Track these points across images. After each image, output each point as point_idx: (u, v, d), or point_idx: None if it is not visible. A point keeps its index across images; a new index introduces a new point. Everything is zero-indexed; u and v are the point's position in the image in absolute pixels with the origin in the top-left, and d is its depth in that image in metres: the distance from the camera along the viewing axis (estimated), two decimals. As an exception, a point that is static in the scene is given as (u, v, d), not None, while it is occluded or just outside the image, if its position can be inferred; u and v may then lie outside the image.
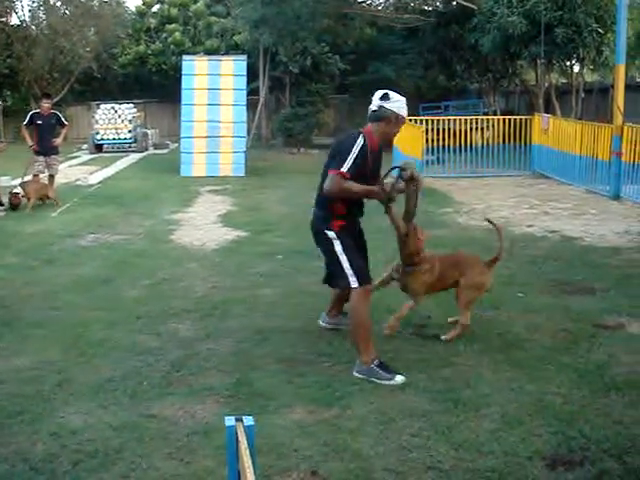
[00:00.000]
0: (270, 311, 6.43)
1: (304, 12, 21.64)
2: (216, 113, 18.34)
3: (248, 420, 2.59)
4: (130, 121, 25.55)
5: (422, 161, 14.55)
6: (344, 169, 4.78)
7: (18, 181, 12.91)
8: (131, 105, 26.79)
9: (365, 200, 5.22)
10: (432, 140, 16.17)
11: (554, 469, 3.70)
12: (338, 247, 4.99)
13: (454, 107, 25.39)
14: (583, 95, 22.63)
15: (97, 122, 25.40)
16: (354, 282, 4.95)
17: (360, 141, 4.87)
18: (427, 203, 11.77)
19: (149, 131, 27.40)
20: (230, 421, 2.61)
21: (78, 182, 16.64)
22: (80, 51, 29.88)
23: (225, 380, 4.89)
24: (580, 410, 4.32)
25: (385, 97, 4.96)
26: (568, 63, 21.37)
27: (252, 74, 22.23)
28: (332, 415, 4.34)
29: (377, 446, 3.98)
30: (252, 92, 23.24)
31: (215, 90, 18.50)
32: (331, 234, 5.03)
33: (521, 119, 16.86)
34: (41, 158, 12.84)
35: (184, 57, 19.91)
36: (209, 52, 27.27)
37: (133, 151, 24.99)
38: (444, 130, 16.41)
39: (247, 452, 2.45)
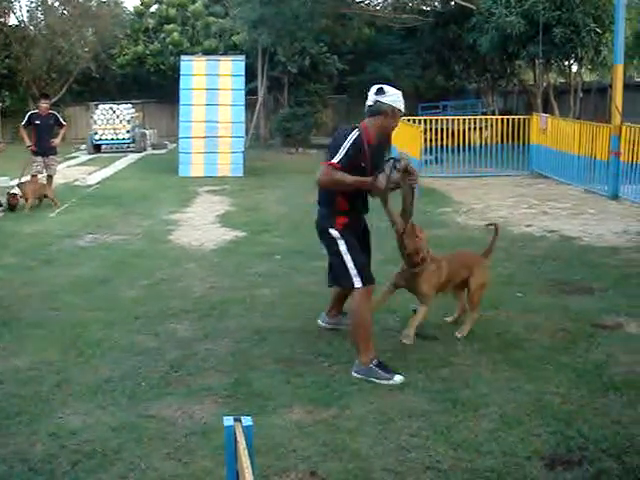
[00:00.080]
0: (268, 311, 6.43)
1: (302, 12, 21.62)
2: (214, 113, 18.34)
3: (246, 420, 2.58)
4: (128, 121, 25.54)
5: (420, 161, 14.53)
6: (335, 160, 4.80)
7: (16, 182, 12.89)
8: (129, 105, 26.81)
9: (370, 198, 5.22)
10: (430, 140, 16.17)
11: (553, 469, 3.70)
12: (342, 247, 4.99)
13: (452, 107, 25.40)
14: (581, 95, 22.64)
15: (95, 122, 25.38)
16: (358, 282, 4.95)
17: (354, 134, 4.88)
18: (426, 203, 11.80)
19: (147, 131, 27.38)
20: (228, 421, 2.61)
21: (76, 182, 16.64)
22: (78, 51, 29.87)
23: (223, 380, 4.89)
24: (579, 410, 4.32)
25: (380, 91, 4.96)
26: (566, 63, 21.38)
27: (250, 74, 22.23)
28: (331, 415, 4.34)
29: (376, 446, 3.98)
30: (250, 92, 23.26)
31: (213, 90, 18.49)
32: (335, 233, 5.02)
33: (519, 119, 16.87)
34: (39, 158, 12.84)
35: (182, 57, 19.90)
36: (207, 52, 27.27)
37: (131, 151, 24.98)
38: (442, 130, 16.41)
39: (245, 452, 2.45)
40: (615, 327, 5.83)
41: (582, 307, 6.33)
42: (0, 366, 5.21)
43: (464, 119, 17.48)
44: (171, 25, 31.69)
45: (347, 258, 4.97)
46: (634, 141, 12.12)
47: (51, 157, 13.00)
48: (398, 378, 4.80)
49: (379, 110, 4.94)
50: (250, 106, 23.43)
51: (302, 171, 17.56)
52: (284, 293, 7.00)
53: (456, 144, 16.48)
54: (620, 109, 12.55)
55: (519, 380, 4.79)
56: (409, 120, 16.00)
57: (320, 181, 4.90)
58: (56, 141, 12.96)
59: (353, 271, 4.95)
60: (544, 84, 21.10)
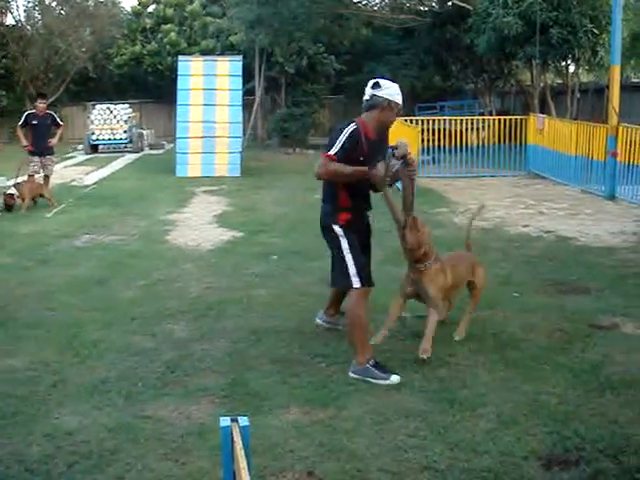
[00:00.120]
0: (265, 311, 6.43)
1: (300, 12, 21.63)
2: (212, 113, 18.33)
3: (243, 421, 2.58)
4: (126, 121, 25.53)
5: (418, 161, 14.52)
6: (332, 152, 4.82)
7: (12, 182, 12.87)
8: (127, 105, 26.81)
9: (372, 193, 5.22)
10: (428, 140, 16.18)
11: (549, 469, 3.70)
12: (344, 245, 4.99)
13: (450, 107, 25.41)
14: (578, 95, 22.62)
15: (93, 122, 25.38)
16: (356, 282, 4.95)
17: (350, 127, 4.88)
18: (422, 203, 11.77)
19: (145, 131, 27.37)
20: (225, 422, 2.61)
21: (73, 182, 16.64)
22: (76, 51, 29.84)
23: (220, 381, 4.88)
24: (575, 410, 4.33)
25: (376, 85, 4.98)
26: (563, 63, 21.35)
27: (248, 74, 22.22)
28: (327, 415, 4.34)
29: (373, 446, 3.97)
30: (248, 92, 23.26)
31: (211, 90, 18.49)
32: (338, 230, 5.01)
33: (516, 119, 16.88)
34: (36, 158, 12.83)
35: (180, 57, 19.90)
36: (205, 52, 27.26)
37: (129, 151, 24.97)
38: (440, 130, 16.42)
39: (242, 453, 2.45)
40: (611, 327, 5.83)
41: (578, 307, 6.33)
42: (-4, 366, 5.21)
43: (461, 119, 17.50)
44: (168, 25, 31.68)
45: (348, 258, 4.97)
46: (631, 142, 12.14)
47: (48, 157, 12.99)
48: (395, 378, 4.80)
49: (375, 104, 4.96)
50: (247, 106, 23.46)
51: (299, 171, 17.57)
52: (281, 293, 7.00)
53: (453, 144, 16.49)
54: (617, 110, 12.56)
55: (516, 380, 4.79)
56: (406, 120, 16.01)
57: (318, 173, 4.89)
58: (53, 141, 12.96)
59: (352, 271, 4.95)
60: (541, 85, 21.10)
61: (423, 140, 15.69)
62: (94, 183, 16.55)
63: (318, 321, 5.89)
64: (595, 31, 17.55)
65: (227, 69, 18.90)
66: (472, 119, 18.35)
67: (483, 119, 18.95)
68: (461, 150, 16.51)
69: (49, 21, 29.97)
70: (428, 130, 16.19)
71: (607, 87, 15.30)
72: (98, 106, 25.94)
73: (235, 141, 18.40)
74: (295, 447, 3.96)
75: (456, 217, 11.14)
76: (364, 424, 4.23)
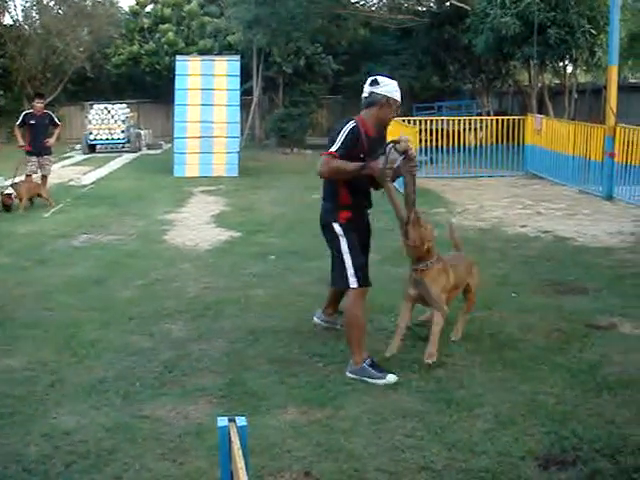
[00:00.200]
0: (263, 311, 6.43)
1: (298, 12, 21.62)
2: (209, 113, 18.33)
3: (241, 421, 2.58)
4: (123, 121, 25.51)
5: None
6: (334, 149, 4.81)
7: (10, 182, 12.85)
8: (124, 105, 26.76)
9: (372, 191, 5.22)
10: (426, 141, 16.18)
11: (547, 469, 3.71)
12: (344, 245, 4.98)
13: (447, 108, 25.40)
14: (576, 96, 22.67)
15: (90, 122, 25.35)
16: (354, 282, 4.95)
17: (350, 125, 4.89)
18: (420, 203, 11.72)
19: (142, 131, 27.36)
20: (223, 422, 2.61)
21: (71, 182, 16.62)
22: (73, 51, 29.81)
23: (218, 380, 4.88)
24: (573, 410, 4.33)
25: (374, 82, 4.99)
26: (561, 64, 21.41)
27: (246, 74, 22.23)
28: (325, 415, 4.34)
29: (370, 446, 3.98)
30: (245, 92, 23.24)
31: (208, 90, 18.48)
32: (338, 229, 5.00)
33: (514, 120, 16.89)
34: (34, 158, 12.82)
35: (177, 57, 19.88)
36: (202, 52, 27.25)
37: (126, 151, 24.95)
38: (437, 131, 16.42)
39: (240, 453, 2.45)
40: (609, 327, 5.84)
41: (576, 307, 6.34)
42: (-6, 366, 5.21)
43: (459, 120, 17.51)
44: (166, 25, 31.66)
45: (346, 258, 4.97)
46: (628, 142, 12.15)
47: (46, 157, 12.98)
48: (391, 377, 4.80)
49: (374, 101, 4.97)
50: (245, 106, 23.46)
51: (297, 171, 17.59)
52: (279, 293, 7.00)
53: (451, 145, 16.48)
54: (614, 110, 12.57)
55: (513, 380, 4.80)
56: (404, 121, 16.02)
57: (321, 172, 4.88)
58: (51, 141, 12.94)
59: (351, 271, 4.95)
60: (539, 85, 21.13)
61: (421, 140, 15.69)
62: (92, 183, 16.53)
63: (316, 320, 5.89)
64: (593, 31, 17.58)
65: (225, 69, 18.89)
66: (470, 119, 18.36)
67: (481, 119, 18.97)
68: (459, 150, 16.51)
69: (47, 21, 29.93)
70: (426, 130, 16.19)
71: (605, 87, 15.31)
72: (96, 106, 25.90)
73: (233, 141, 18.40)
74: (292, 447, 3.96)
75: (454, 217, 11.13)
76: (361, 424, 4.23)
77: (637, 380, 4.73)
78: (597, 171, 13.09)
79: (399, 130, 14.51)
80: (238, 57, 19.66)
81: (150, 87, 31.16)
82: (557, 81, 25.13)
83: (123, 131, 25.32)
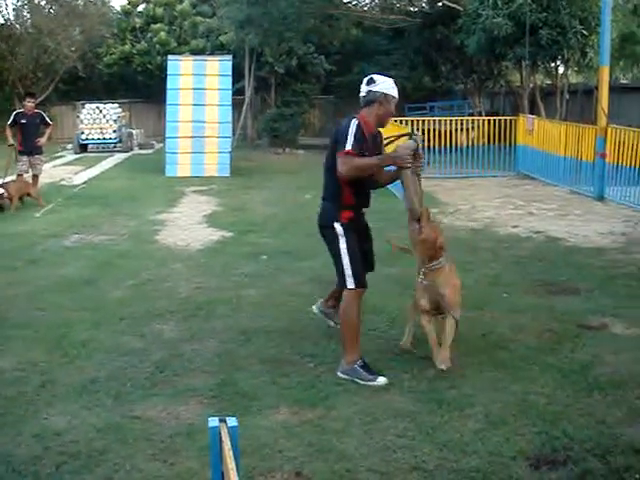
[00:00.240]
0: (254, 312, 6.42)
1: (290, 12, 21.60)
2: (201, 113, 18.30)
3: (232, 421, 2.58)
4: (115, 121, 25.44)
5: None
6: (349, 147, 4.78)
7: (0, 181, 12.80)
8: (116, 105, 26.69)
9: (372, 193, 5.22)
10: (418, 141, 16.14)
11: (538, 469, 3.71)
12: (343, 245, 4.97)
13: (439, 108, 25.44)
14: (568, 96, 22.71)
15: (82, 122, 25.27)
16: (350, 283, 4.95)
17: (354, 122, 4.88)
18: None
19: (134, 131, 27.30)
20: (214, 422, 2.60)
21: (63, 182, 16.57)
22: (65, 50, 29.71)
23: (209, 381, 4.88)
24: (564, 410, 4.34)
25: (371, 81, 5.02)
26: (553, 64, 21.44)
27: (238, 74, 22.20)
28: (316, 416, 4.34)
29: (361, 446, 3.98)
30: (237, 92, 23.21)
31: (200, 90, 18.45)
32: (339, 228, 4.98)
33: (506, 120, 16.93)
34: (25, 158, 12.78)
35: (169, 57, 19.85)
36: (195, 52, 27.22)
37: (118, 151, 24.88)
38: (429, 131, 16.42)
39: (231, 453, 2.44)
40: (600, 328, 5.85)
41: (568, 308, 6.35)
42: (-16, 367, 5.19)
43: (451, 120, 17.53)
44: (158, 24, 31.61)
45: (345, 258, 4.96)
46: (620, 143, 12.18)
47: (37, 156, 12.94)
48: (382, 380, 4.80)
49: (373, 99, 4.99)
50: (237, 106, 23.43)
51: (289, 171, 17.58)
52: (270, 294, 6.99)
53: (443, 145, 16.49)
54: (606, 111, 12.61)
55: (504, 380, 4.80)
56: (396, 121, 16.01)
57: (346, 172, 4.79)
58: (42, 140, 12.90)
59: (348, 271, 4.95)
60: (531, 85, 21.17)
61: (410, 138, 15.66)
62: (83, 183, 16.49)
63: (314, 309, 5.84)
64: (584, 32, 17.61)
65: (217, 69, 18.86)
66: (462, 120, 18.39)
67: (473, 120, 19.00)
68: (451, 151, 16.52)
69: (38, 20, 29.82)
70: (418, 131, 16.18)
71: (596, 88, 15.34)
72: (87, 105, 25.83)
73: (224, 141, 18.38)
74: (284, 447, 3.96)
75: (445, 218, 11.15)
76: (353, 424, 4.23)
77: (628, 380, 4.75)
78: (588, 172, 13.13)
79: (391, 130, 14.52)
80: (230, 57, 19.64)
81: (142, 87, 31.09)
82: (549, 82, 25.17)
83: (115, 131, 25.25)
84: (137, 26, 32.33)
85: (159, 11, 32.10)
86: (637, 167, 11.57)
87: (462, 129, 17.75)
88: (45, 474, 3.73)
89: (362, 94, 5.05)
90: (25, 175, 12.88)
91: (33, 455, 3.91)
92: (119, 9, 33.98)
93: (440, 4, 23.80)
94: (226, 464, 2.44)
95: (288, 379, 4.88)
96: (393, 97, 5.04)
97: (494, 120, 16.91)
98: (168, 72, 18.88)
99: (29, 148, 12.72)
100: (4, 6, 31.35)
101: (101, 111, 25.38)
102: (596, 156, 12.73)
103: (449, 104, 26.47)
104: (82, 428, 4.21)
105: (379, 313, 6.11)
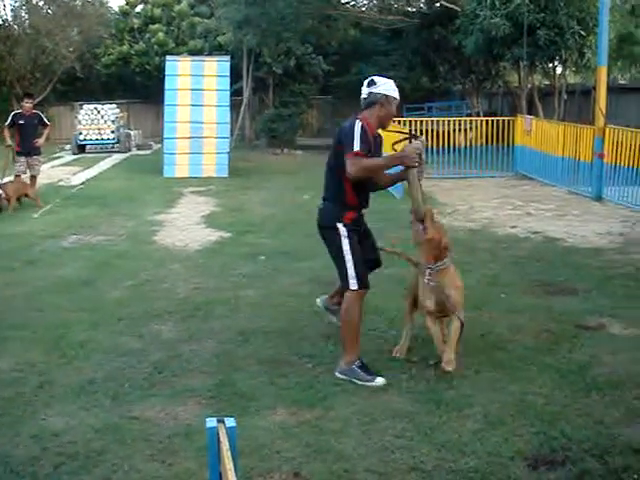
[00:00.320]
0: (253, 312, 6.42)
1: (288, 13, 21.62)
2: (199, 114, 18.29)
3: (230, 421, 2.58)
4: (113, 122, 25.43)
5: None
6: (357, 148, 4.76)
7: (-1, 182, 12.81)
8: (114, 105, 26.72)
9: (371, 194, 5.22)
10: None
11: (536, 469, 3.71)
12: (346, 246, 4.95)
13: (437, 108, 25.46)
14: (565, 97, 22.74)
15: (80, 122, 25.26)
16: (354, 284, 4.93)
17: (358, 123, 4.87)
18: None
19: (132, 132, 27.29)
20: (212, 422, 2.60)
21: (61, 183, 16.56)
22: (63, 51, 29.71)
23: (207, 381, 4.88)
24: (562, 410, 4.34)
25: (372, 83, 5.02)
26: (551, 65, 21.48)
27: (236, 75, 22.20)
28: (314, 416, 4.33)
29: (360, 447, 3.97)
30: (235, 93, 23.22)
31: (198, 91, 18.44)
32: (342, 229, 4.95)
33: (504, 120, 16.93)
34: (22, 158, 12.77)
35: (167, 57, 19.83)
36: (193, 53, 27.22)
37: (116, 152, 24.87)
38: (427, 131, 16.41)
39: (229, 454, 2.44)
40: (598, 328, 5.85)
41: (566, 308, 6.35)
42: (-18, 367, 5.18)
43: (449, 120, 17.54)
44: (156, 25, 31.61)
45: (347, 259, 4.94)
46: (617, 143, 12.20)
47: (35, 157, 12.93)
48: (379, 381, 4.80)
49: (374, 100, 4.99)
50: (235, 107, 23.42)
51: (287, 172, 17.57)
52: (269, 294, 6.99)
53: (441, 145, 16.48)
54: (604, 111, 12.62)
55: (503, 381, 4.80)
56: (394, 121, 16.01)
57: (353, 172, 4.77)
58: (40, 141, 12.89)
59: (351, 272, 4.93)
60: (528, 86, 21.18)
61: (411, 141, 15.65)
62: (81, 183, 16.48)
63: (318, 301, 5.82)
64: (582, 33, 17.63)
65: (215, 69, 18.86)
66: (460, 120, 18.41)
67: (471, 120, 19.03)
68: (449, 151, 16.53)
69: (36, 20, 29.82)
70: (416, 131, 16.17)
71: (594, 88, 15.38)
72: (85, 106, 25.83)
73: (223, 142, 18.37)
74: (282, 448, 3.96)
75: (444, 218, 11.12)
76: (351, 425, 4.23)
77: (626, 380, 4.75)
78: (586, 172, 13.13)
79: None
80: (228, 57, 19.64)
81: (140, 87, 31.10)
82: (547, 82, 25.21)
83: (113, 131, 25.24)
84: (135, 27, 32.33)
85: (157, 12, 32.11)
86: (635, 167, 11.58)
87: (460, 129, 17.76)
88: (43, 475, 3.73)
89: (363, 96, 5.05)
90: (23, 176, 12.86)
91: (31, 456, 3.90)
92: (117, 10, 34.01)
93: (438, 5, 23.83)
94: (224, 464, 2.44)
95: (286, 379, 4.88)
96: (394, 98, 5.05)
97: (492, 120, 16.92)
98: (166, 73, 18.87)
99: (27, 149, 12.72)
100: (2, 7, 31.50)
101: (99, 112, 25.38)
102: (594, 156, 12.73)
103: (447, 104, 26.50)
104: (80, 429, 4.21)
105: (380, 313, 6.11)
